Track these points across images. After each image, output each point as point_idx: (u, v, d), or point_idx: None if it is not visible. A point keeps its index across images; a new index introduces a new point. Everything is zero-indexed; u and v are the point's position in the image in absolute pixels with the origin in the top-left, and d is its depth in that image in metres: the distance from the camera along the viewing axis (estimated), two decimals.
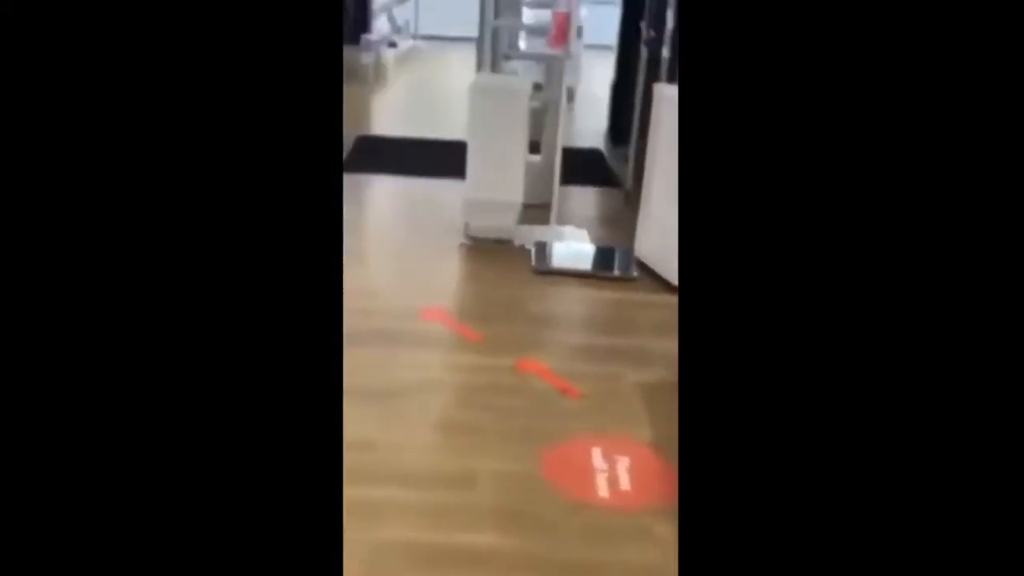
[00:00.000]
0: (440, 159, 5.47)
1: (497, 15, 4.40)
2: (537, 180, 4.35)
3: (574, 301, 3.55)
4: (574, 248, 4.02)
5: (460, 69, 9.07)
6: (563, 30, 3.86)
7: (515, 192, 3.99)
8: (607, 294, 3.61)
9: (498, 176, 3.96)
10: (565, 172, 4.10)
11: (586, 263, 3.86)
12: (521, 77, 5.48)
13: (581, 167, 5.49)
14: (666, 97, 3.63)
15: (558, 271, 3.76)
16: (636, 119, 4.79)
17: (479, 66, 4.56)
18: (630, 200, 4.53)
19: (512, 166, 3.96)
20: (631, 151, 5.02)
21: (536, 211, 4.25)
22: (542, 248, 3.94)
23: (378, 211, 4.77)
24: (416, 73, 9.37)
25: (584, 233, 4.28)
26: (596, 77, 8.11)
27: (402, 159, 5.61)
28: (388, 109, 7.67)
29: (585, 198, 5.03)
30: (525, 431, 2.50)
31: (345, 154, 5.54)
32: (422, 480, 2.24)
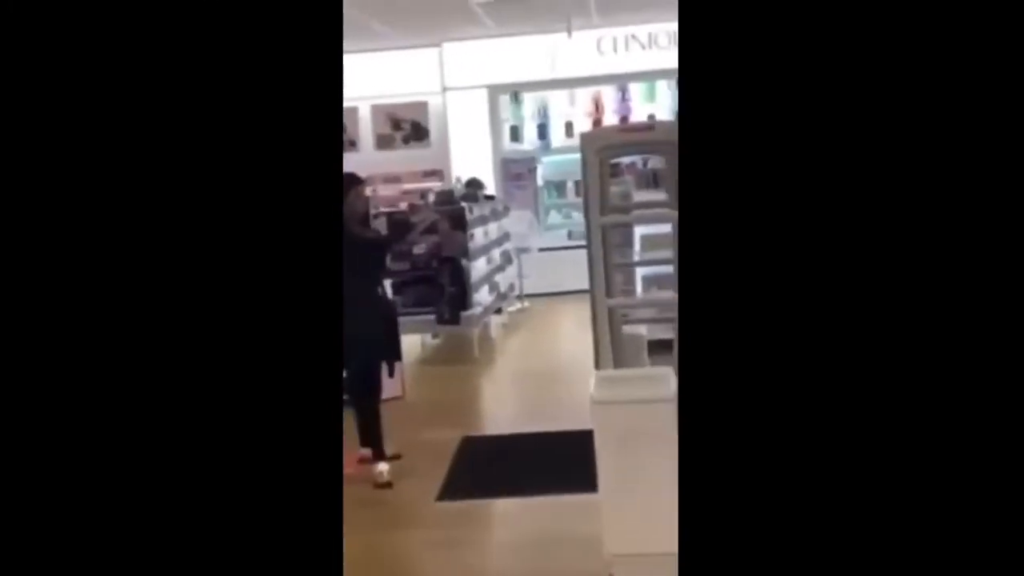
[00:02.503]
0: (565, 461, 4.39)
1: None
2: None
3: None
4: None
5: (572, 324, 8.26)
6: None
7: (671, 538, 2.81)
8: None
9: (648, 522, 2.81)
10: None
11: None
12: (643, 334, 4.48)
13: None
14: None
15: None
16: None
17: (597, 343, 3.55)
18: None
19: (666, 505, 2.81)
20: None
21: None
22: None
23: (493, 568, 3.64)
24: (526, 338, 8.57)
25: None
26: None
27: (519, 468, 4.53)
28: (498, 393, 6.75)
29: None
30: None
31: (447, 467, 4.52)
32: None
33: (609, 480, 2.85)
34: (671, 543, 2.87)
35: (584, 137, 3.36)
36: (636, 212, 4.53)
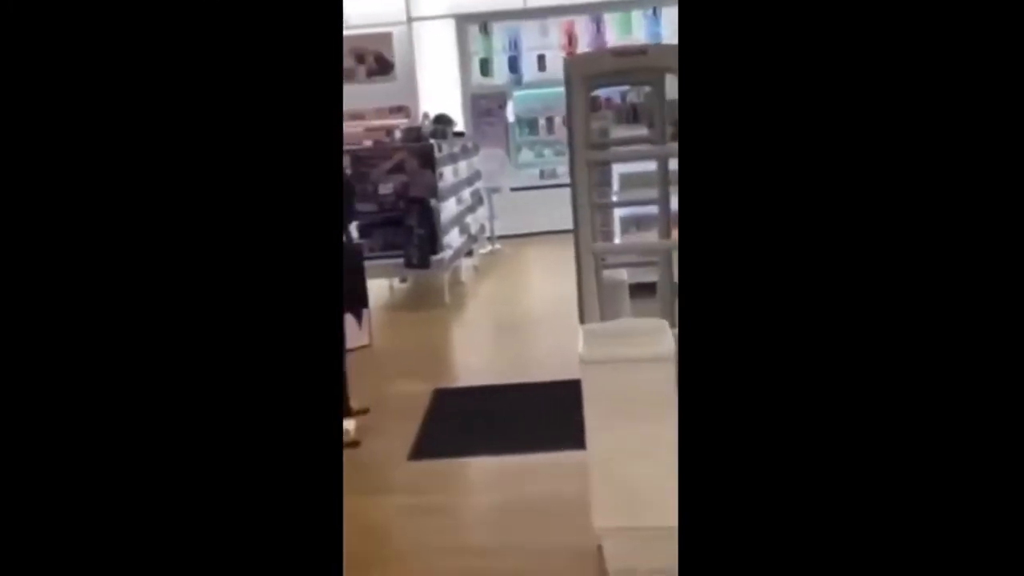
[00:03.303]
0: (547, 416, 4.12)
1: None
2: None
3: None
4: None
5: (546, 266, 7.96)
6: None
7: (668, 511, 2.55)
8: None
9: (642, 494, 2.54)
10: None
11: None
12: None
13: None
14: None
15: None
16: None
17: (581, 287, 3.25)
18: None
19: (662, 476, 2.53)
20: None
21: None
22: None
23: (469, 536, 3.37)
24: (499, 282, 8.26)
25: None
26: None
27: (493, 423, 4.26)
28: (471, 341, 6.44)
29: None
30: None
31: (419, 422, 4.24)
32: None
33: (600, 447, 2.56)
34: (666, 516, 2.62)
35: (570, 63, 2.99)
36: (627, 148, 4.20)
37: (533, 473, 3.62)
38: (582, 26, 10.11)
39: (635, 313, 4.88)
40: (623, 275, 4.76)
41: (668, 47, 3.35)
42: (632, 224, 6.17)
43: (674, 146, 4.95)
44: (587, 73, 3.01)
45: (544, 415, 4.22)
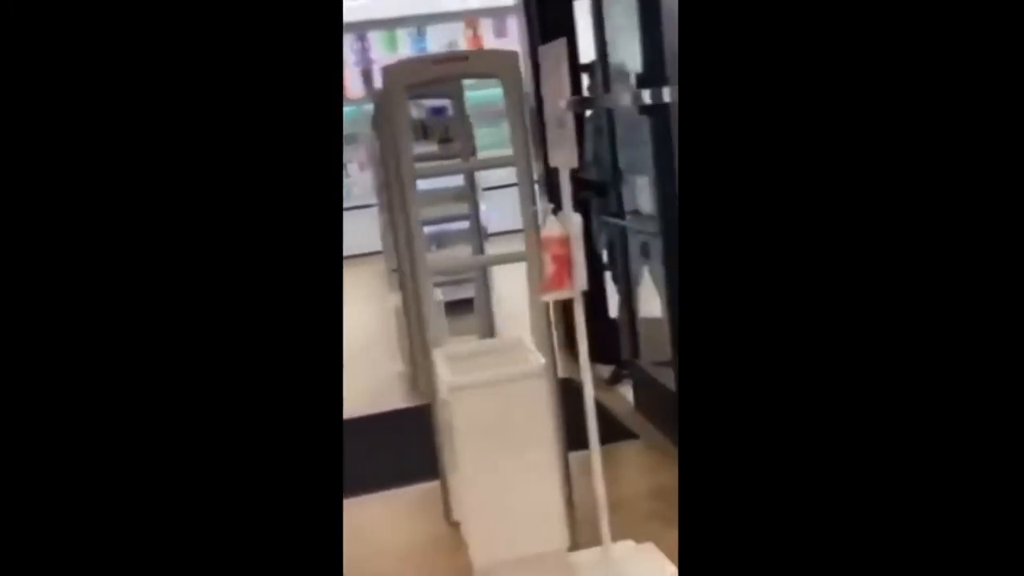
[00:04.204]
0: (387, 447, 3.86)
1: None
2: None
3: None
4: None
5: (353, 292, 7.62)
6: (566, 265, 2.41)
7: (555, 534, 2.42)
8: None
9: (525, 521, 2.39)
10: None
11: None
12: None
13: None
14: None
15: None
16: None
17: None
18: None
19: (545, 499, 2.40)
20: None
21: None
22: None
23: None
24: None
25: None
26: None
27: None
28: None
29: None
30: None
31: None
32: None
33: (476, 477, 2.38)
34: (551, 541, 2.50)
35: (389, 72, 2.80)
36: (432, 164, 4.08)
37: (390, 508, 3.36)
38: (348, 44, 9.87)
39: (452, 331, 4.78)
40: (438, 294, 4.64)
41: (489, 52, 3.25)
42: (433, 241, 6.07)
43: (482, 160, 4.95)
44: (408, 82, 2.84)
45: (385, 447, 3.96)
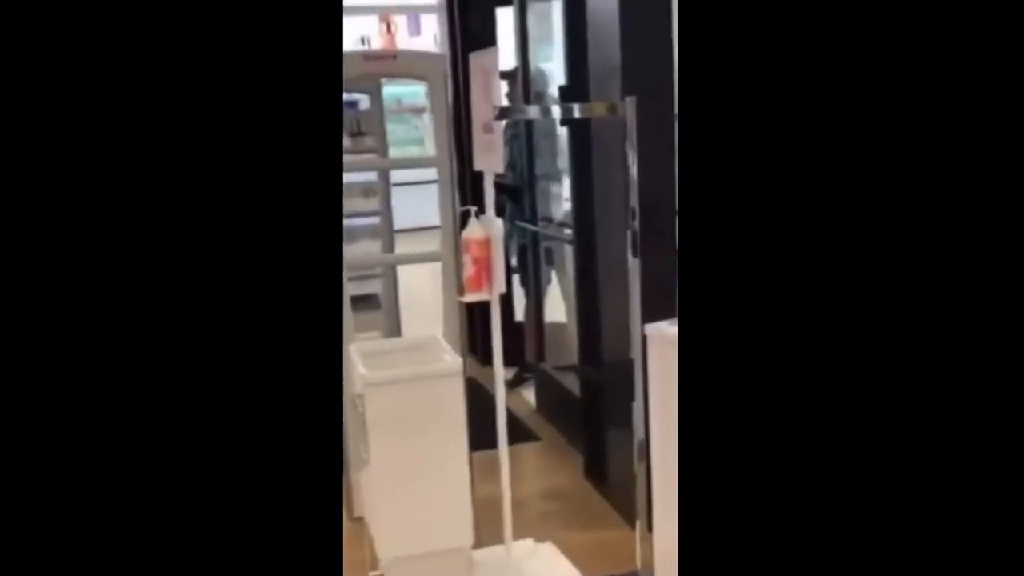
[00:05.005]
0: None
1: None
2: None
3: None
4: None
5: None
6: (486, 268, 2.46)
7: (462, 531, 2.47)
8: None
9: (432, 516, 2.43)
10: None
11: None
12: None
13: None
14: None
15: None
16: None
17: None
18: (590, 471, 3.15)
19: (453, 495, 2.44)
20: None
21: None
22: None
23: None
24: None
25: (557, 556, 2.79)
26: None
27: None
28: None
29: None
30: None
31: None
32: None
33: (386, 472, 2.41)
34: (457, 537, 2.55)
35: None
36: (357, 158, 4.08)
37: None
38: None
39: (358, 326, 4.76)
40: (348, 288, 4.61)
41: (419, 53, 3.28)
42: (350, 235, 6.03)
43: (405, 159, 4.93)
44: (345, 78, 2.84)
45: None
